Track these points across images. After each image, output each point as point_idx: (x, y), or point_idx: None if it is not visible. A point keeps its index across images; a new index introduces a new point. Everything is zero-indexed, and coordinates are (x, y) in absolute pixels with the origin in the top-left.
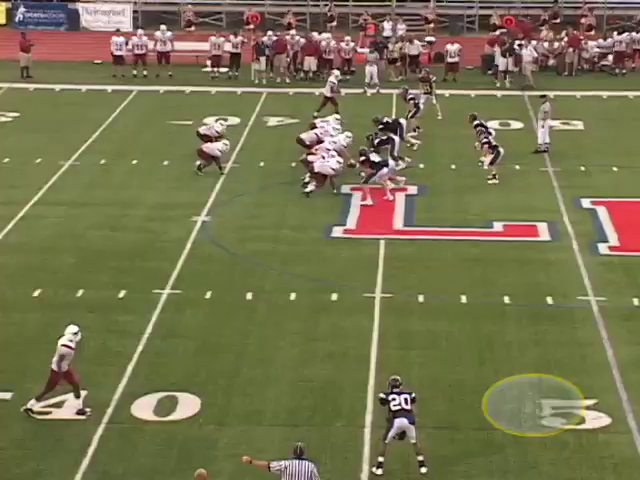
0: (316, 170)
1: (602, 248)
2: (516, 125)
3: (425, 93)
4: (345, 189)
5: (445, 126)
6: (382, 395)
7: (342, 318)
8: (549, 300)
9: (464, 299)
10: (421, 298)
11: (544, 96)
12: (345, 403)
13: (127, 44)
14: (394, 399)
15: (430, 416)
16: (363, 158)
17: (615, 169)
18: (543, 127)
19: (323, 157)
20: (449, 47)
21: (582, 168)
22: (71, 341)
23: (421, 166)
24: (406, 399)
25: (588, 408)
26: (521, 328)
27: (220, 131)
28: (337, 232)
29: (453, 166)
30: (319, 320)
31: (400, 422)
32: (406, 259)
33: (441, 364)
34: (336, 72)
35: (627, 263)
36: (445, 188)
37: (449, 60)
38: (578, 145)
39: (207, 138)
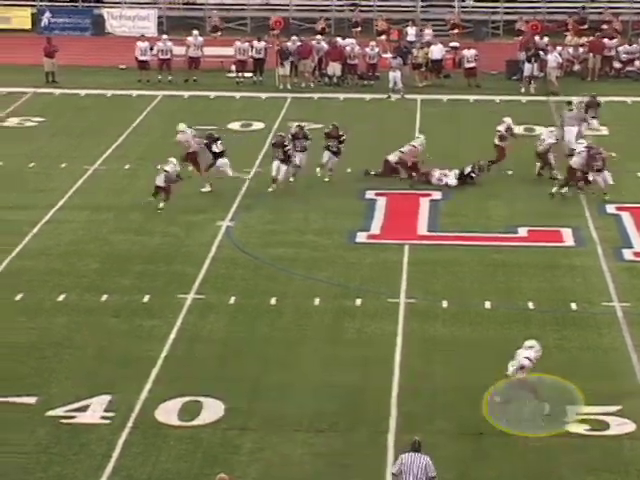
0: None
1: (627, 254)
2: (541, 130)
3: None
4: (370, 194)
5: (471, 132)
6: None
7: (366, 323)
8: (573, 306)
9: (488, 305)
10: (445, 303)
11: (570, 102)
12: (369, 408)
13: (152, 49)
14: None
15: (454, 421)
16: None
17: (639, 175)
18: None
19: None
20: (465, 52)
21: None
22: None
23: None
24: None
25: (612, 414)
26: (545, 334)
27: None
28: (361, 237)
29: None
30: (343, 325)
31: None
32: (430, 264)
33: (465, 369)
34: (508, 120)
35: None
36: (469, 193)
37: (466, 65)
38: None
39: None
